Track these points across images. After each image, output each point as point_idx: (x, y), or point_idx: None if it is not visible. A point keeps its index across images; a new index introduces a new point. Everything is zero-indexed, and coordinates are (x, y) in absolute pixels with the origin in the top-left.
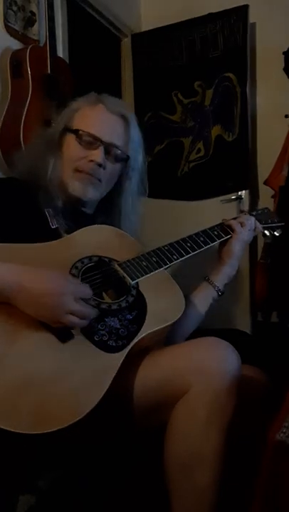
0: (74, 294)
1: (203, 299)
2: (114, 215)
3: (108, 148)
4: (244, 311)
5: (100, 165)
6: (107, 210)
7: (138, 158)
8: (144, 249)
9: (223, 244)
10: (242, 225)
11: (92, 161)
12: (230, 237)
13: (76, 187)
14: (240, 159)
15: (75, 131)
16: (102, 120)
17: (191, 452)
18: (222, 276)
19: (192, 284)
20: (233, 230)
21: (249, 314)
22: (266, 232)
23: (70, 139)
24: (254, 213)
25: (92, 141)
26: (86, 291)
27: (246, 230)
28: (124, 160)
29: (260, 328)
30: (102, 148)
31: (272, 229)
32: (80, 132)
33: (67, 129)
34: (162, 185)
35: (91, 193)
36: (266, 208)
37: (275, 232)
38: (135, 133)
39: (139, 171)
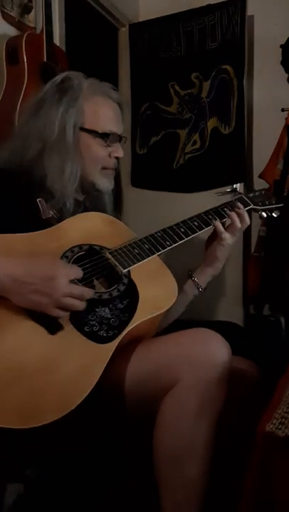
0: (67, 276)
1: (184, 295)
2: (97, 195)
3: (120, 139)
4: (236, 304)
5: None
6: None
7: None
8: (136, 236)
9: (209, 244)
10: (241, 218)
11: (116, 157)
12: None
13: (103, 183)
14: (235, 152)
15: (104, 135)
16: (115, 115)
17: (181, 444)
18: (205, 276)
19: (177, 277)
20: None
21: (241, 307)
22: (263, 214)
23: (90, 139)
24: (251, 195)
25: (113, 139)
26: (77, 271)
27: (237, 230)
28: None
29: (252, 320)
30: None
31: (270, 210)
32: (110, 135)
33: (86, 130)
34: (158, 177)
35: (113, 184)
36: (263, 189)
37: (273, 214)
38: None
39: None
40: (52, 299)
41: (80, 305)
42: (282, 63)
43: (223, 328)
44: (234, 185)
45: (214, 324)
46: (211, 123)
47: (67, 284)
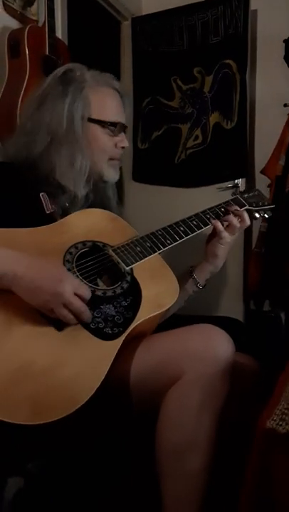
0: (73, 285)
1: (184, 291)
2: (100, 189)
3: (125, 129)
4: (237, 299)
5: None
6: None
7: None
8: (137, 233)
9: (209, 242)
10: (241, 218)
11: (122, 147)
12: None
13: (111, 174)
14: (237, 147)
15: (112, 124)
16: (119, 105)
17: (184, 438)
18: (205, 274)
19: (178, 273)
20: (228, 226)
21: (242, 302)
22: (256, 215)
23: (97, 130)
24: (245, 196)
25: (120, 128)
26: (86, 291)
27: (236, 229)
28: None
29: (252, 316)
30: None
31: (262, 211)
32: (117, 125)
33: (94, 120)
34: (159, 172)
35: (118, 175)
36: (257, 190)
37: (265, 214)
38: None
39: None
40: (50, 300)
41: (72, 321)
42: (285, 58)
43: (223, 324)
44: (236, 181)
45: (215, 319)
46: (213, 118)
47: (70, 293)
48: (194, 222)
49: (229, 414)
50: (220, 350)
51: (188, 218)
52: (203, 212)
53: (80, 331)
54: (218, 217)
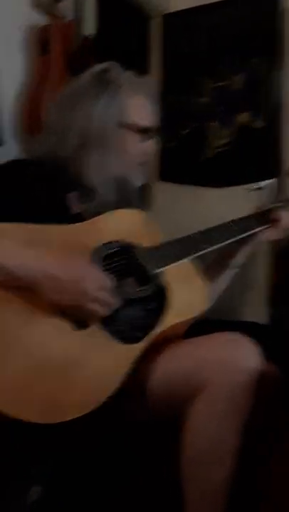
0: (97, 281)
1: (224, 280)
2: (124, 191)
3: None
4: (262, 304)
5: None
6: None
7: None
8: (169, 237)
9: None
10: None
11: (151, 152)
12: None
13: (139, 178)
14: (266, 147)
15: (144, 131)
16: (151, 110)
17: (210, 447)
18: (243, 259)
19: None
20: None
21: (267, 307)
22: None
23: (130, 136)
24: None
25: (150, 135)
26: (108, 281)
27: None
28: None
29: (278, 321)
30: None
31: None
32: (149, 131)
33: (127, 126)
34: (185, 171)
35: (145, 179)
36: None
37: None
38: None
39: None
40: (79, 300)
41: (103, 311)
42: None
43: (249, 329)
44: (264, 182)
45: (240, 325)
46: (242, 117)
47: (95, 289)
48: (235, 228)
49: (252, 422)
50: (249, 362)
51: (231, 223)
52: (247, 218)
53: (100, 333)
54: (263, 224)
